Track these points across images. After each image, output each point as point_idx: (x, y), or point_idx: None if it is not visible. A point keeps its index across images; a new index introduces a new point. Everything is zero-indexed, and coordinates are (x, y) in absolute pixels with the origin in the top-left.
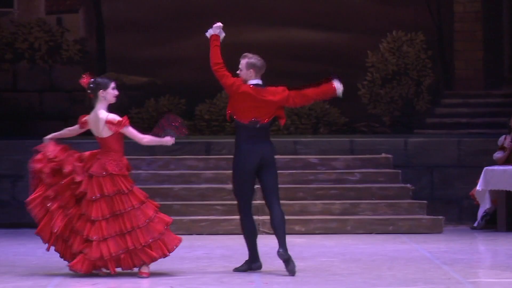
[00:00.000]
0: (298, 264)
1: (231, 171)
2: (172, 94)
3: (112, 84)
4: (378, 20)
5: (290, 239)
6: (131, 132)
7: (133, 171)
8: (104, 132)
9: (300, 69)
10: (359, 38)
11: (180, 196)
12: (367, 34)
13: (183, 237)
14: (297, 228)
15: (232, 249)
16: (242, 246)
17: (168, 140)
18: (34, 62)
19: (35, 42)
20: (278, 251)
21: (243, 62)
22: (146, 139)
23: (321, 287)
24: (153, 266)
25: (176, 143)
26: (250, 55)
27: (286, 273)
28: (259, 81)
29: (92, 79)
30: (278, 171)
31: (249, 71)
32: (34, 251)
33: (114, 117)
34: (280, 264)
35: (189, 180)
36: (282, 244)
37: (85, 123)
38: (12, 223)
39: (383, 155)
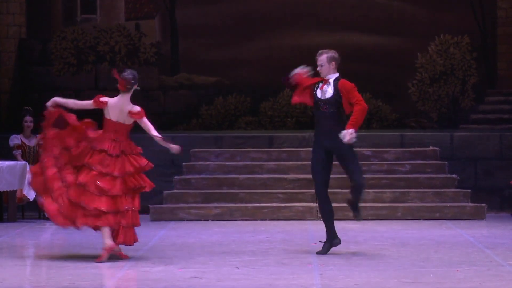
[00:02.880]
0: (353, 247)
1: (291, 162)
2: (238, 92)
3: None
4: (427, 24)
5: (345, 225)
6: (146, 122)
7: (203, 162)
8: (127, 120)
9: (357, 70)
10: (409, 42)
11: (244, 185)
12: (416, 37)
13: (247, 222)
14: (351, 214)
15: (291, 234)
16: (301, 231)
17: (175, 148)
18: (114, 63)
19: (115, 45)
20: None
21: (324, 57)
22: (155, 133)
23: (373, 268)
24: (219, 248)
25: (241, 137)
26: (326, 50)
27: (341, 255)
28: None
29: (130, 75)
30: (334, 162)
31: (331, 64)
32: None
33: (138, 108)
34: (337, 247)
35: (253, 171)
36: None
37: (104, 103)
38: None
39: (431, 148)
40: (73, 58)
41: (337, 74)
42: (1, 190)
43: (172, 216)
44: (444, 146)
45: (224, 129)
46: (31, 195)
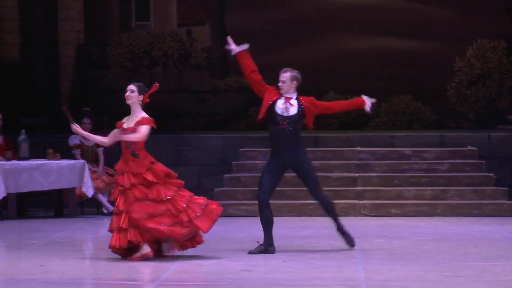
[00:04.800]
0: (395, 242)
1: (335, 161)
2: None
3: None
4: (464, 30)
5: (388, 221)
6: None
7: (251, 161)
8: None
9: (397, 73)
10: (448, 46)
11: (292, 182)
12: (454, 42)
13: (294, 218)
14: (393, 211)
15: None
16: (348, 226)
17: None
18: (167, 67)
19: (168, 50)
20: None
21: (287, 75)
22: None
23: (414, 262)
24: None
25: None
26: (290, 69)
27: (383, 250)
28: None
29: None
30: (377, 161)
31: (292, 83)
32: None
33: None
34: (379, 243)
35: None
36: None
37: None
38: None
39: (469, 147)
40: (129, 62)
41: (296, 94)
42: (62, 188)
43: (223, 212)
44: (482, 146)
45: None
46: (89, 192)
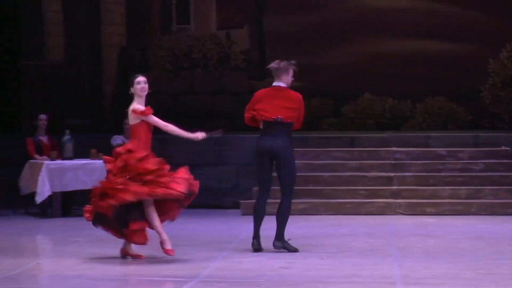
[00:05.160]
0: (430, 241)
1: (371, 161)
2: (321, 96)
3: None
4: (497, 32)
5: (423, 220)
6: (154, 120)
7: None
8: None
9: (433, 74)
10: (482, 48)
11: (328, 182)
12: (489, 44)
13: (331, 216)
14: (429, 210)
15: (373, 227)
16: (382, 225)
17: (195, 136)
18: (207, 69)
19: (208, 53)
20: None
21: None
22: (168, 127)
23: (450, 260)
24: (305, 241)
25: (325, 138)
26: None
27: (419, 248)
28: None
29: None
30: (412, 161)
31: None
32: (208, 227)
33: (139, 107)
34: (415, 241)
35: (336, 169)
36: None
37: None
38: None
39: (503, 147)
40: (170, 65)
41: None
42: None
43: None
44: None
45: (309, 130)
46: None
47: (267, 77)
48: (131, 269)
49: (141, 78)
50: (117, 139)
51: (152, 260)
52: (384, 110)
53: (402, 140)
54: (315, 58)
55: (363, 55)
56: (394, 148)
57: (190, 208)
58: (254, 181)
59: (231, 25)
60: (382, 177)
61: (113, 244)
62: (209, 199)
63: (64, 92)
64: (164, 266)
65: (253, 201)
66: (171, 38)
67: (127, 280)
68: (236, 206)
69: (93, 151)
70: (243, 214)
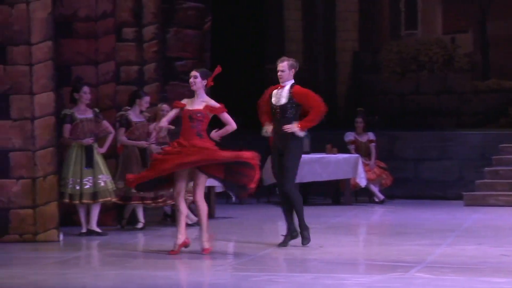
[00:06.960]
0: None
1: None
2: None
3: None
4: None
5: None
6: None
7: (510, 156)
8: None
9: None
10: None
11: None
12: None
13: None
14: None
15: None
16: None
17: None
18: (432, 71)
19: (434, 56)
20: None
21: (285, 64)
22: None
23: None
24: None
25: None
26: (287, 58)
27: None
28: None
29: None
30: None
31: (290, 71)
32: (433, 217)
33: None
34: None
35: None
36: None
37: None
38: (414, 196)
39: None
40: (398, 67)
41: (292, 81)
42: (338, 178)
43: (483, 202)
44: None
45: None
46: (363, 182)
47: (490, 77)
48: (362, 254)
49: (191, 73)
50: (349, 136)
51: (381, 246)
52: None
53: None
54: None
55: None
56: None
57: (416, 199)
58: (477, 174)
59: (456, 30)
60: None
61: (345, 231)
62: (433, 191)
63: None
64: (392, 252)
65: (477, 193)
66: (400, 43)
67: (358, 264)
68: (459, 197)
69: (328, 146)
70: (466, 205)
